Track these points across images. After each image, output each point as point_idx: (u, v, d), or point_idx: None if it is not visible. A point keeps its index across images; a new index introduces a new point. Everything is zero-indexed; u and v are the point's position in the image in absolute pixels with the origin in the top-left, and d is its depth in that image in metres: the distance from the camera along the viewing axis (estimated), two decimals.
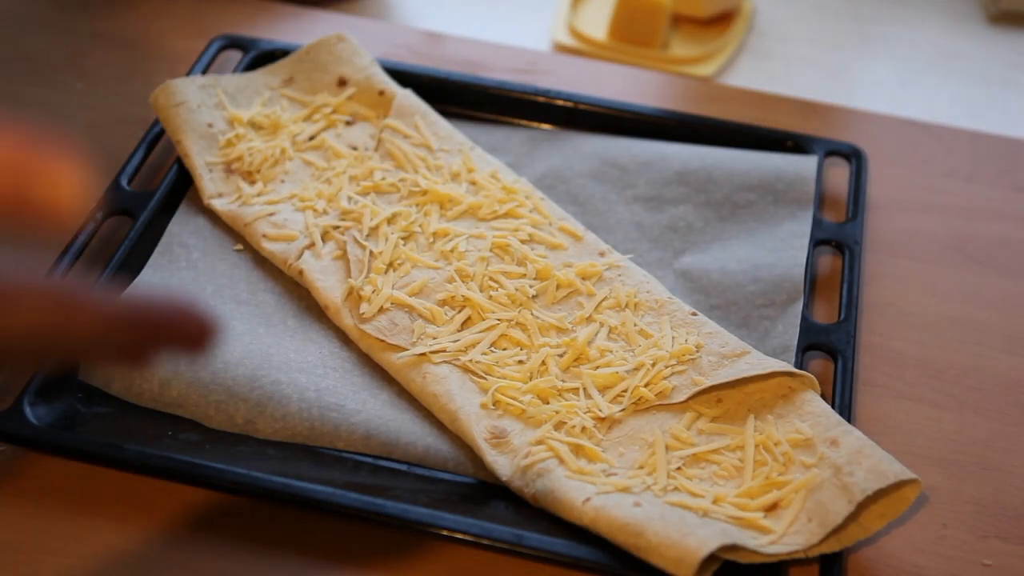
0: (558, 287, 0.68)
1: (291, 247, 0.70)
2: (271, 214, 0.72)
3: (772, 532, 0.57)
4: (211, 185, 0.73)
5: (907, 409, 0.68)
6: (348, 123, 0.78)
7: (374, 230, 0.71)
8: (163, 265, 0.69)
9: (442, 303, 0.67)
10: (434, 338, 0.65)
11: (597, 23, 1.00)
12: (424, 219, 0.72)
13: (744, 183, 0.77)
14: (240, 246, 0.72)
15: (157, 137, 0.77)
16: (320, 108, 0.78)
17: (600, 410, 0.62)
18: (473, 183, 0.74)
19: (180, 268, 0.69)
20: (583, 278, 0.69)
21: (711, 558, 0.55)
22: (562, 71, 0.90)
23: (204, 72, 0.81)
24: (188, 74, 0.80)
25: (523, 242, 0.71)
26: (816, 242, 0.73)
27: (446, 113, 0.80)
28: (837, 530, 0.57)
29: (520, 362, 0.65)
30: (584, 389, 0.64)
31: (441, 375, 0.63)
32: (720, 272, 0.72)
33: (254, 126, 0.77)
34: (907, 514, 0.61)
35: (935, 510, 0.63)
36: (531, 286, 0.68)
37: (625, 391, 0.63)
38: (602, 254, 0.71)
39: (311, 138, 0.77)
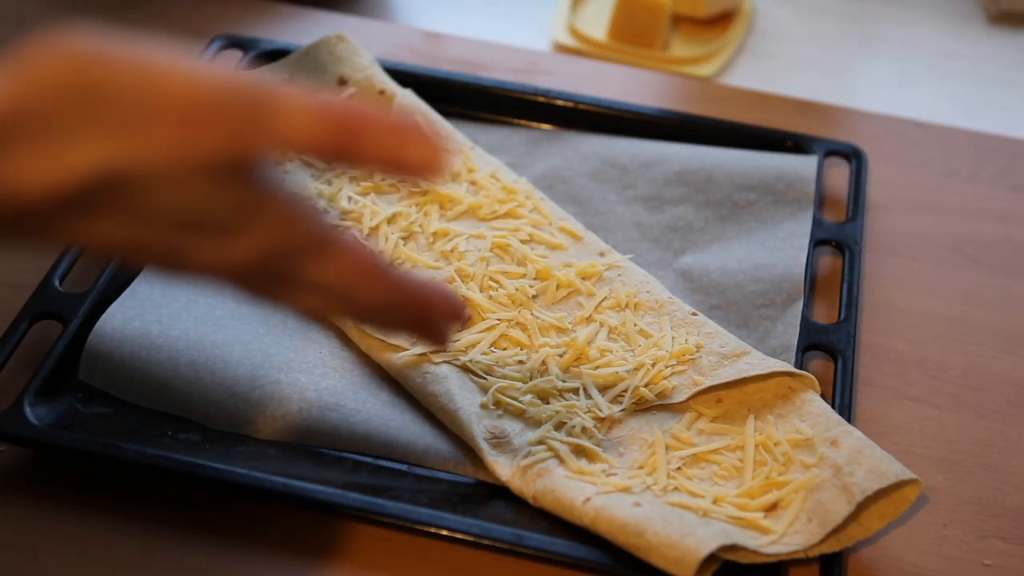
0: (558, 287, 0.68)
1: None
2: None
3: (772, 532, 0.57)
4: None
5: (907, 409, 0.68)
6: None
7: (374, 230, 0.71)
8: None
9: None
10: None
11: (597, 23, 1.00)
12: (424, 219, 0.72)
13: (744, 183, 0.77)
14: None
15: None
16: None
17: (600, 410, 0.62)
18: (473, 183, 0.74)
19: None
20: (583, 278, 0.69)
21: (711, 558, 0.55)
22: (562, 71, 0.90)
23: None
24: None
25: (523, 242, 0.71)
26: (816, 242, 0.73)
27: (446, 113, 0.80)
28: (837, 530, 0.57)
29: (520, 362, 0.65)
30: (584, 389, 0.64)
31: (441, 375, 0.63)
32: (720, 272, 0.72)
33: None
34: (907, 514, 0.61)
35: (935, 510, 0.63)
36: (531, 286, 0.68)
37: (625, 391, 0.63)
38: (602, 254, 0.71)
39: None
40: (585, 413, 0.62)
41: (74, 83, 0.36)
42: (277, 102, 0.39)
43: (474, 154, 0.76)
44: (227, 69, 0.38)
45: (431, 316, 0.46)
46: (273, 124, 0.38)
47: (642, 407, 0.63)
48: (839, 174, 0.81)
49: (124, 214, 0.39)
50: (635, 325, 0.66)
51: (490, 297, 0.67)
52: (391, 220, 0.71)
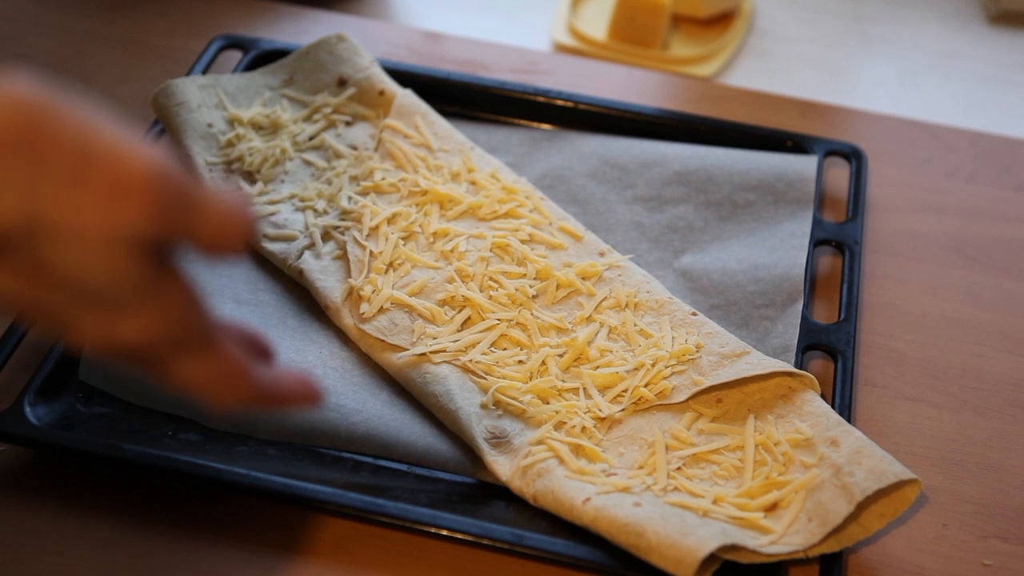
0: (558, 287, 0.68)
1: (291, 247, 0.70)
2: (271, 214, 0.72)
3: (772, 532, 0.57)
4: (211, 185, 0.73)
5: (907, 409, 0.68)
6: (348, 123, 0.78)
7: (374, 230, 0.71)
8: None
9: (442, 303, 0.67)
10: (434, 338, 0.65)
11: (597, 23, 1.00)
12: (424, 219, 0.72)
13: (744, 183, 0.77)
14: None
15: (157, 137, 0.77)
16: (320, 108, 0.78)
17: (600, 410, 0.62)
18: (473, 183, 0.74)
19: None
20: (583, 278, 0.69)
21: (711, 558, 0.55)
22: (562, 71, 0.90)
23: (204, 72, 0.81)
24: (188, 74, 0.80)
25: (523, 242, 0.71)
26: (816, 242, 0.73)
27: (446, 113, 0.80)
28: (837, 530, 0.57)
29: (520, 362, 0.65)
30: (584, 389, 0.64)
31: (441, 375, 0.63)
32: (720, 272, 0.72)
33: (254, 126, 0.77)
34: (907, 514, 0.61)
35: (935, 510, 0.63)
36: (531, 286, 0.68)
37: (625, 391, 0.63)
38: (602, 254, 0.71)
39: (311, 138, 0.77)
40: (585, 413, 0.62)
41: (17, 128, 0.36)
42: (203, 202, 0.40)
43: (474, 154, 0.76)
44: (164, 156, 0.39)
45: (286, 406, 0.47)
46: (193, 220, 0.40)
47: (642, 407, 0.63)
48: (839, 174, 0.81)
49: (25, 268, 0.39)
50: (635, 325, 0.66)
51: (490, 297, 0.67)
52: (391, 220, 0.71)
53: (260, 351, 0.47)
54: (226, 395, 0.44)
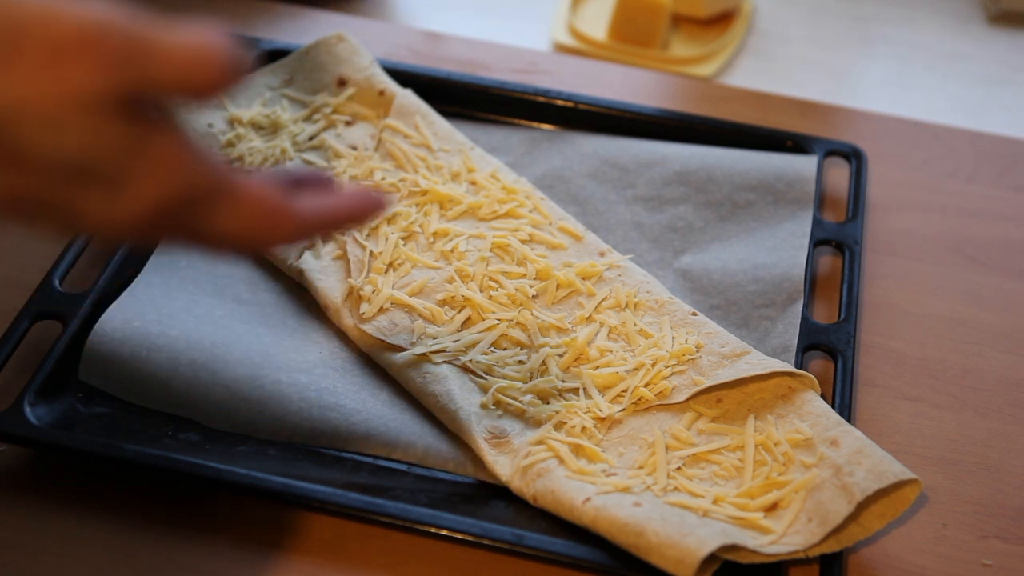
0: (558, 287, 0.68)
1: (291, 247, 0.70)
2: None
3: (772, 532, 0.57)
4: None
5: (907, 409, 0.68)
6: (348, 123, 0.78)
7: (374, 230, 0.71)
8: (163, 264, 0.69)
9: (442, 303, 0.67)
10: (434, 338, 0.65)
11: (597, 23, 1.00)
12: (424, 219, 0.72)
13: (744, 183, 0.77)
14: None
15: None
16: (320, 108, 0.78)
17: (600, 410, 0.62)
18: (473, 183, 0.74)
19: (180, 267, 0.69)
20: (583, 278, 0.69)
21: (711, 558, 0.55)
22: (562, 71, 0.90)
23: None
24: None
25: (523, 242, 0.71)
26: (816, 242, 0.73)
27: (446, 113, 0.80)
28: (837, 530, 0.57)
29: (520, 362, 0.65)
30: (584, 389, 0.64)
31: (441, 375, 0.63)
32: (720, 272, 0.72)
33: (254, 126, 0.77)
34: (907, 514, 0.61)
35: (935, 510, 0.63)
36: (531, 286, 0.68)
37: (625, 391, 0.63)
38: (602, 254, 0.71)
39: (311, 138, 0.77)
40: (585, 413, 0.62)
41: None
42: (159, 43, 0.37)
43: (474, 154, 0.76)
44: (103, 6, 0.37)
45: (347, 225, 0.45)
46: (153, 65, 0.37)
47: (642, 407, 0.63)
48: (839, 174, 0.81)
49: (4, 161, 0.37)
50: (635, 325, 0.66)
51: (490, 297, 0.67)
52: (391, 220, 0.71)
53: (317, 185, 0.44)
54: (270, 234, 0.41)
